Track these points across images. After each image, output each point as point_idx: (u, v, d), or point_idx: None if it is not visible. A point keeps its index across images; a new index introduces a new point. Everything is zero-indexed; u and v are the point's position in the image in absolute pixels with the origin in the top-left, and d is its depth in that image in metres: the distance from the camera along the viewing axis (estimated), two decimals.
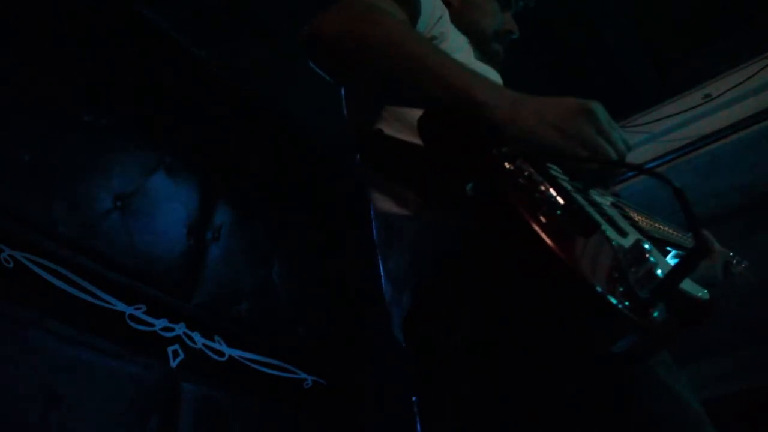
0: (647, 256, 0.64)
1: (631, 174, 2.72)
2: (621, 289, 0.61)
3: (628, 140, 0.77)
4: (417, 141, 0.84)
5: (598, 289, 0.59)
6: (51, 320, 1.78)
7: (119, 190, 2.13)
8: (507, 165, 0.71)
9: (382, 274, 0.99)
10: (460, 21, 1.20)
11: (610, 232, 0.72)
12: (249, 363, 2.36)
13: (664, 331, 0.62)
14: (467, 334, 0.79)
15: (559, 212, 0.66)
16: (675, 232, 1.18)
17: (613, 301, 0.59)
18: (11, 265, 1.74)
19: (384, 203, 0.96)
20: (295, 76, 2.73)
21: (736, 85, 2.62)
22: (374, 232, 1.01)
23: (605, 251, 0.67)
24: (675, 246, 1.16)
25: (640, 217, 0.97)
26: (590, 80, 2.70)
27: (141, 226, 2.16)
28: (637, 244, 0.66)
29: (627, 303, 0.59)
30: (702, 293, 0.78)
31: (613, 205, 0.90)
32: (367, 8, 0.86)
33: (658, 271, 0.63)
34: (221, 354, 2.27)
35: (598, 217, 0.73)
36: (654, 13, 2.68)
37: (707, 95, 2.71)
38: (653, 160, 2.78)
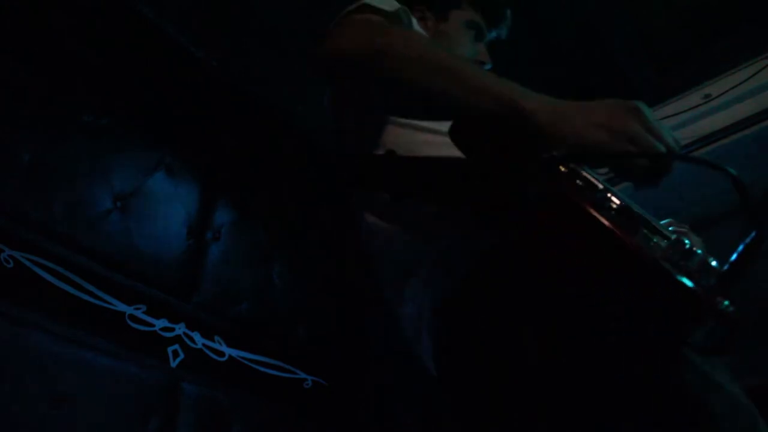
0: (694, 248, 0.64)
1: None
2: (695, 282, 0.61)
3: (677, 136, 0.76)
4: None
5: (680, 277, 0.59)
6: (51, 320, 1.77)
7: (119, 190, 2.13)
8: (562, 168, 0.71)
9: (393, 308, 0.95)
10: None
11: (647, 232, 0.72)
12: (249, 363, 2.36)
13: (737, 323, 0.61)
14: (533, 352, 0.76)
15: (613, 213, 0.67)
16: (663, 227, 1.18)
17: (691, 285, 0.58)
18: (11, 265, 1.74)
19: (392, 232, 0.93)
20: (295, 77, 2.73)
21: (736, 85, 2.62)
22: (381, 275, 0.97)
23: (654, 248, 0.67)
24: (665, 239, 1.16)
25: (655, 223, 0.97)
26: (590, 80, 2.70)
27: (141, 226, 2.16)
28: (679, 240, 0.66)
29: (701, 291, 0.59)
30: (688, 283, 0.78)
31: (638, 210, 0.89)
32: (383, 24, 0.86)
33: (713, 262, 0.62)
34: (221, 354, 2.27)
35: (641, 218, 0.73)
36: (654, 13, 2.68)
37: (707, 95, 2.71)
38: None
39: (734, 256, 0.61)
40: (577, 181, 0.70)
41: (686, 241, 0.65)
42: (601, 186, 0.70)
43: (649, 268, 0.61)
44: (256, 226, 2.67)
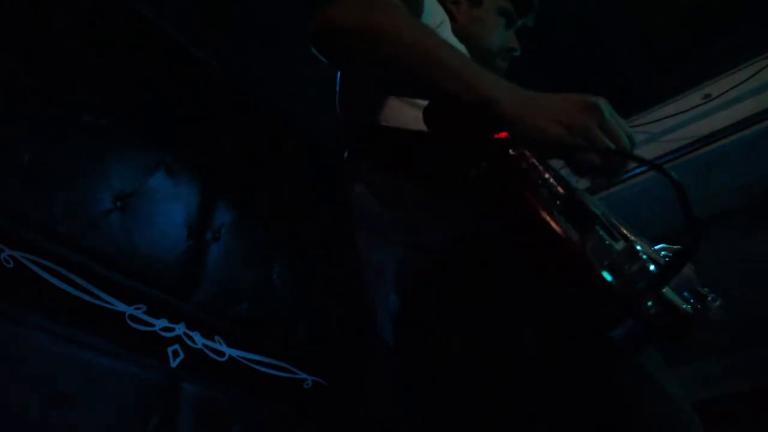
0: (641, 254, 0.65)
1: (631, 173, 2.73)
2: (618, 279, 0.62)
3: (634, 136, 0.79)
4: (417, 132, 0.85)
5: (601, 272, 0.61)
6: (51, 320, 1.77)
7: (119, 190, 2.13)
8: (511, 151, 0.72)
9: (366, 268, 0.98)
10: (464, 35, 1.20)
11: (603, 233, 0.73)
12: (249, 363, 2.36)
13: (657, 324, 0.64)
14: (466, 328, 0.79)
15: (558, 202, 0.68)
16: (654, 252, 1.20)
17: (610, 279, 0.60)
18: (11, 265, 1.74)
19: (372, 201, 0.96)
20: (296, 76, 2.73)
21: (736, 85, 2.62)
22: (358, 231, 1.01)
23: (600, 248, 0.68)
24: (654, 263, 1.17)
25: (626, 231, 0.98)
26: (590, 80, 2.70)
27: (141, 226, 2.16)
28: (630, 245, 0.68)
29: (625, 288, 0.61)
30: (685, 306, 0.80)
31: (603, 215, 0.90)
32: (377, 1, 0.87)
33: (652, 267, 0.64)
34: (221, 354, 2.27)
35: (593, 216, 0.74)
36: (654, 13, 2.68)
37: (707, 95, 2.71)
38: (653, 159, 2.78)
39: (664, 264, 0.64)
40: (522, 165, 0.71)
41: (638, 248, 0.66)
42: (547, 175, 0.71)
43: (575, 259, 0.63)
44: (256, 226, 2.67)
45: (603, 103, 0.76)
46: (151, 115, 2.38)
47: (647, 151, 2.82)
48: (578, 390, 0.72)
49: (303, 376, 2.55)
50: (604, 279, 0.61)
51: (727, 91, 2.65)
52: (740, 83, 2.61)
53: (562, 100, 0.77)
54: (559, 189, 0.69)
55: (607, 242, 0.70)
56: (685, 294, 0.75)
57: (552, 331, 0.73)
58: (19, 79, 1.94)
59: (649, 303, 0.62)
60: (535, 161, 0.72)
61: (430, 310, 0.84)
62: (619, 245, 0.73)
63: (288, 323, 2.61)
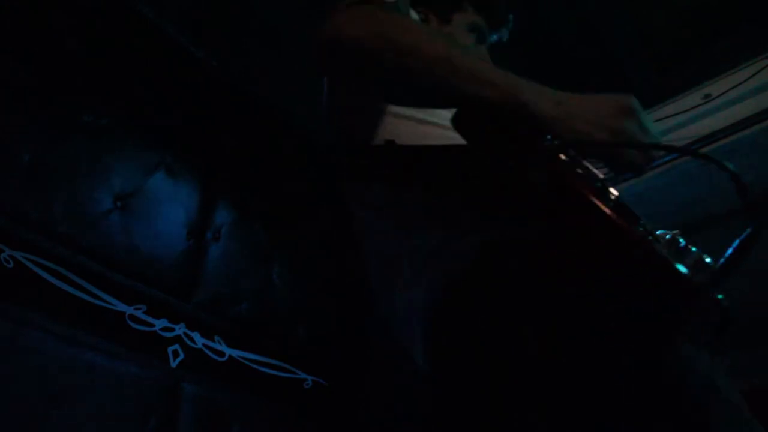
0: (689, 246, 0.65)
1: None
2: (696, 275, 0.62)
3: (658, 129, 0.81)
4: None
5: (674, 263, 0.60)
6: (51, 320, 1.77)
7: (119, 190, 2.13)
8: (562, 156, 0.72)
9: (384, 306, 0.94)
10: None
11: (645, 230, 0.72)
12: (249, 363, 2.36)
13: (728, 317, 0.63)
14: (510, 340, 0.77)
15: (611, 204, 0.68)
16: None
17: (685, 271, 0.60)
18: (11, 265, 1.74)
19: (385, 224, 0.93)
20: (296, 76, 2.73)
21: (736, 85, 2.62)
22: (371, 269, 0.97)
23: (646, 240, 0.68)
24: None
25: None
26: (590, 80, 2.70)
27: (141, 226, 2.16)
28: (674, 238, 0.68)
29: (698, 279, 0.60)
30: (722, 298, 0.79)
31: None
32: (388, 11, 0.86)
33: (707, 259, 0.64)
34: (221, 354, 2.27)
35: (635, 215, 0.74)
36: (654, 13, 2.68)
37: (707, 95, 2.71)
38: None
39: (729, 252, 0.62)
40: (578, 170, 0.71)
41: (681, 240, 0.67)
42: (600, 176, 0.72)
43: (649, 256, 0.62)
44: (256, 226, 2.67)
45: (635, 103, 0.78)
46: (151, 115, 2.38)
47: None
48: (648, 395, 0.71)
49: (303, 376, 2.55)
50: (680, 271, 0.60)
51: (727, 91, 2.65)
52: (740, 83, 2.61)
53: (598, 102, 0.77)
54: (612, 190, 0.70)
55: (650, 237, 0.70)
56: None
57: (612, 335, 0.72)
58: (19, 79, 1.94)
59: (720, 296, 0.62)
60: (587, 164, 0.73)
61: (461, 335, 0.82)
62: (660, 239, 0.72)
63: (288, 323, 2.61)
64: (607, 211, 0.65)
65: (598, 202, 0.66)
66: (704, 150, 2.67)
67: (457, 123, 0.79)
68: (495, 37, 1.35)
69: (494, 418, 0.77)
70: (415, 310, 0.88)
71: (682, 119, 2.75)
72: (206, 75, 2.69)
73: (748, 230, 0.63)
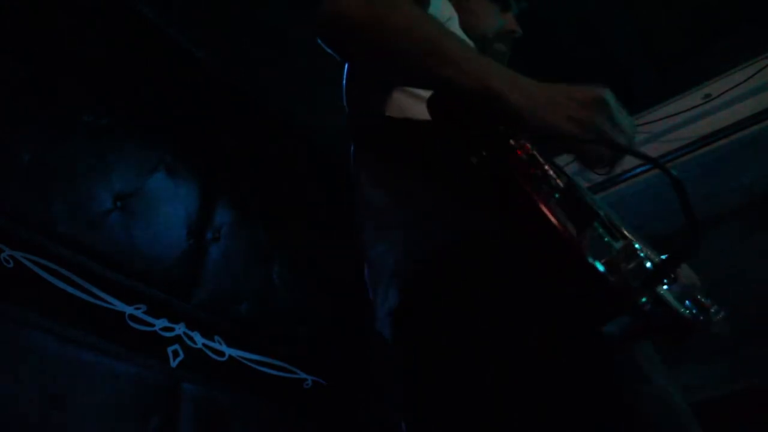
0: (639, 253, 0.65)
1: (631, 173, 2.73)
2: (614, 275, 0.63)
3: (633, 122, 0.81)
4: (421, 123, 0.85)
5: (595, 263, 0.61)
6: (51, 320, 1.77)
7: (119, 190, 2.13)
8: (512, 141, 0.72)
9: (367, 262, 0.98)
10: (464, 27, 1.20)
11: (602, 231, 0.73)
12: (249, 363, 2.36)
13: (652, 322, 0.64)
14: (466, 325, 0.78)
15: (557, 195, 0.68)
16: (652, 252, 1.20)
17: (603, 270, 0.60)
18: (11, 265, 1.74)
19: (377, 194, 0.96)
20: (296, 76, 2.73)
21: (736, 85, 2.62)
22: (362, 225, 1.00)
23: (598, 244, 0.68)
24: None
25: (627, 232, 0.98)
26: (590, 80, 2.70)
27: (141, 226, 2.16)
28: (629, 243, 0.68)
29: (619, 283, 0.61)
30: (684, 310, 0.80)
31: (605, 215, 0.90)
32: None
33: (648, 265, 0.64)
34: (221, 354, 2.27)
35: (592, 213, 0.74)
36: (654, 13, 2.68)
37: (707, 95, 2.71)
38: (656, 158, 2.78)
39: (660, 260, 0.64)
40: (522, 156, 0.71)
41: (637, 246, 0.66)
42: (547, 167, 0.71)
43: (569, 250, 0.63)
44: (256, 226, 2.67)
45: (609, 96, 0.77)
46: (151, 115, 2.38)
47: (647, 151, 2.82)
48: (576, 388, 0.72)
49: (303, 376, 2.55)
50: (597, 270, 0.61)
51: (727, 91, 2.65)
52: (740, 83, 2.61)
53: (570, 93, 0.77)
54: (559, 182, 0.69)
55: (606, 239, 0.71)
56: (687, 303, 0.75)
57: (551, 329, 0.73)
58: (19, 79, 1.94)
59: (643, 299, 0.62)
60: (535, 153, 0.72)
61: (429, 305, 0.84)
62: (619, 244, 0.73)
63: (288, 323, 2.61)
64: (538, 201, 0.65)
65: (528, 190, 0.66)
66: (704, 150, 2.67)
67: (429, 105, 0.81)
68: (523, 4, 1.35)
69: (492, 417, 0.77)
70: (384, 272, 0.91)
71: (682, 119, 2.75)
72: (206, 75, 2.69)
73: (680, 247, 0.64)
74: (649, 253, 0.74)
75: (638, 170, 2.79)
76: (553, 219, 0.64)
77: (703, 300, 1.02)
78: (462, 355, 0.78)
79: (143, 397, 1.93)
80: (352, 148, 1.05)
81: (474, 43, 1.21)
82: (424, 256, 0.85)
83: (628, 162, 3.12)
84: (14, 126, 1.88)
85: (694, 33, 2.73)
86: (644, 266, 0.64)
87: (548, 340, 0.73)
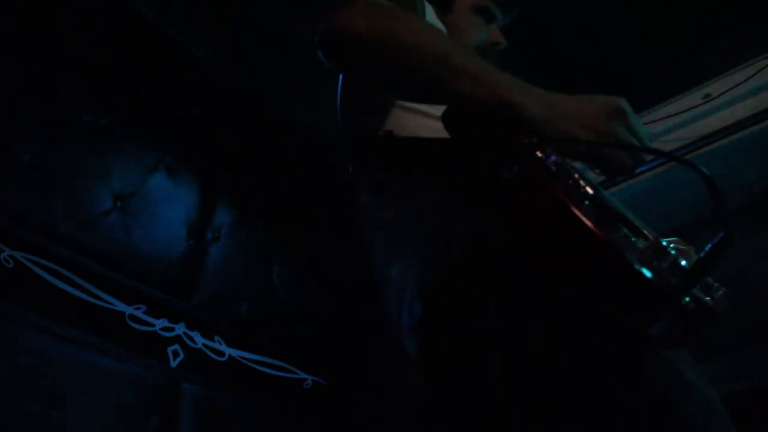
0: (668, 250, 0.65)
1: (643, 168, 2.73)
2: (655, 275, 0.62)
3: (648, 131, 0.81)
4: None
5: (638, 267, 0.60)
6: (51, 320, 1.77)
7: (119, 190, 2.13)
8: (538, 153, 0.72)
9: (380, 282, 0.97)
10: None
11: (627, 231, 0.73)
12: (249, 363, 2.36)
13: (696, 320, 0.63)
14: (493, 334, 0.78)
15: (587, 202, 0.68)
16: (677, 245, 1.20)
17: (649, 275, 0.60)
18: (11, 265, 1.74)
19: (385, 210, 0.95)
20: (296, 76, 2.73)
21: (736, 85, 2.62)
22: (372, 240, 1.00)
23: (627, 245, 0.68)
24: None
25: (644, 229, 0.98)
26: (590, 80, 2.70)
27: (141, 226, 2.16)
28: (656, 240, 0.68)
29: (662, 284, 0.60)
30: (708, 299, 0.79)
31: (624, 213, 0.90)
32: (390, 7, 0.87)
33: (683, 262, 0.63)
34: (221, 354, 2.27)
35: (617, 214, 0.74)
36: (654, 13, 2.68)
37: (707, 95, 2.71)
38: (653, 160, 2.78)
39: (699, 257, 0.63)
40: (551, 167, 0.71)
41: (663, 242, 0.66)
42: (576, 175, 0.71)
43: (613, 256, 0.63)
44: (256, 226, 2.67)
45: (625, 104, 0.78)
46: (151, 115, 2.38)
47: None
48: (612, 390, 0.72)
49: (303, 376, 2.55)
50: (642, 274, 0.60)
51: (727, 91, 2.65)
52: (740, 83, 2.61)
53: (587, 103, 0.77)
54: (588, 189, 0.70)
55: (632, 239, 0.70)
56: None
57: (582, 335, 0.73)
58: (19, 79, 1.94)
59: (687, 299, 0.61)
60: (563, 162, 0.72)
61: (455, 315, 0.83)
62: (641, 243, 0.72)
63: (288, 323, 2.61)
64: (576, 211, 0.65)
65: (566, 201, 0.66)
66: (704, 150, 2.67)
67: (445, 120, 0.80)
68: (503, 18, 1.34)
69: (479, 414, 0.77)
70: (406, 300, 0.90)
71: (682, 119, 2.75)
72: (206, 75, 2.69)
73: (720, 236, 0.63)
74: (678, 248, 0.73)
75: (639, 170, 2.78)
76: (592, 226, 0.64)
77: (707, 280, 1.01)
78: (488, 363, 0.78)
79: (143, 397, 1.93)
80: (350, 165, 1.04)
81: None
82: (447, 266, 0.85)
83: None
84: (14, 126, 1.88)
85: (694, 33, 2.73)
86: (679, 263, 0.63)
87: (578, 346, 0.73)
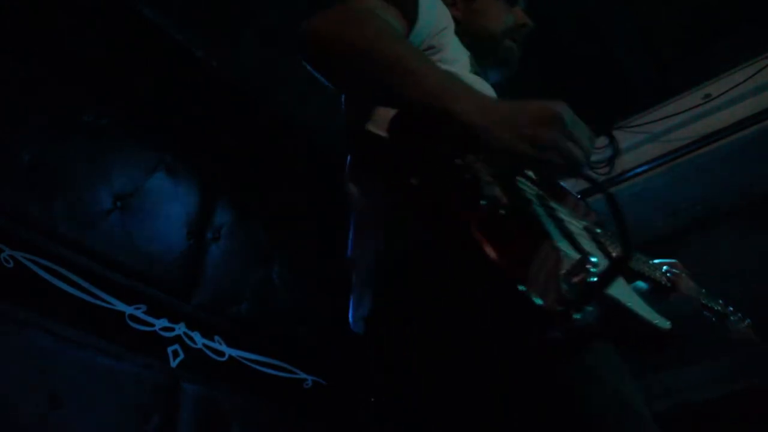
0: (588, 267, 0.68)
1: (631, 173, 2.73)
2: (552, 291, 0.66)
3: (592, 136, 0.80)
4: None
5: (520, 286, 0.65)
6: (51, 320, 1.78)
7: (119, 190, 2.13)
8: (458, 161, 0.74)
9: (350, 266, 1.05)
10: (467, 32, 1.22)
11: (563, 244, 0.75)
12: (249, 363, 2.36)
13: (586, 332, 0.69)
14: (418, 338, 0.84)
15: (502, 211, 0.70)
16: (649, 267, 1.24)
17: (524, 289, 0.64)
18: (11, 265, 1.74)
19: (361, 202, 1.01)
20: (295, 76, 2.73)
21: (736, 85, 2.62)
22: (351, 231, 1.07)
23: (550, 258, 0.70)
24: (644, 278, 1.21)
25: (610, 243, 0.99)
26: (590, 80, 2.70)
27: (141, 226, 2.16)
28: (585, 257, 0.71)
29: (551, 302, 0.65)
30: (662, 323, 0.85)
31: (586, 228, 0.94)
32: (359, 11, 0.90)
33: (593, 279, 0.67)
34: (221, 354, 2.27)
35: (550, 228, 0.77)
36: (654, 14, 2.68)
37: (707, 95, 2.71)
38: (653, 160, 2.78)
39: (596, 277, 0.67)
40: (466, 175, 0.72)
41: (593, 260, 0.69)
42: (492, 184, 0.73)
43: (494, 267, 0.66)
44: (256, 226, 2.67)
45: (564, 110, 0.76)
46: (151, 115, 2.38)
47: (647, 151, 2.82)
48: (526, 391, 0.76)
49: (303, 376, 2.55)
50: (526, 295, 0.64)
51: (727, 91, 2.65)
52: (740, 83, 2.61)
53: (523, 111, 0.77)
54: (504, 201, 0.71)
55: (562, 252, 0.73)
56: (687, 309, 0.80)
57: (497, 337, 0.76)
58: (19, 79, 1.94)
59: (577, 315, 0.65)
60: (480, 172, 0.73)
61: (393, 309, 0.89)
62: (574, 257, 0.74)
63: (288, 323, 2.61)
64: (476, 232, 0.67)
65: (468, 220, 0.68)
66: (704, 150, 2.67)
67: (390, 124, 0.83)
68: None
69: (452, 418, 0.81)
70: (361, 273, 0.99)
71: (682, 119, 2.75)
72: (206, 75, 2.69)
73: (610, 262, 0.68)
74: (602, 265, 0.75)
75: (639, 170, 2.79)
76: (486, 246, 0.66)
77: (716, 306, 1.07)
78: (419, 360, 0.84)
79: (143, 397, 1.93)
80: (347, 157, 1.09)
81: (482, 44, 1.23)
82: (388, 266, 0.90)
83: (628, 162, 3.12)
84: (14, 126, 1.88)
85: (694, 33, 2.73)
86: (587, 281, 0.67)
87: (497, 348, 0.76)
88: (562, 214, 0.87)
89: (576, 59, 2.74)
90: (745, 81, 2.60)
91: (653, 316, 0.85)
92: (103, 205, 2.06)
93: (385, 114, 0.98)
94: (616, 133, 2.83)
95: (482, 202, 0.70)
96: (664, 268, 1.29)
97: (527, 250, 0.68)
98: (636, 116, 2.85)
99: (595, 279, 0.67)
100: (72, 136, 2.04)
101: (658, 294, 1.24)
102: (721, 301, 1.48)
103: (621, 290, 0.81)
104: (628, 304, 0.81)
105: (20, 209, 1.82)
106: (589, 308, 0.65)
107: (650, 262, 1.26)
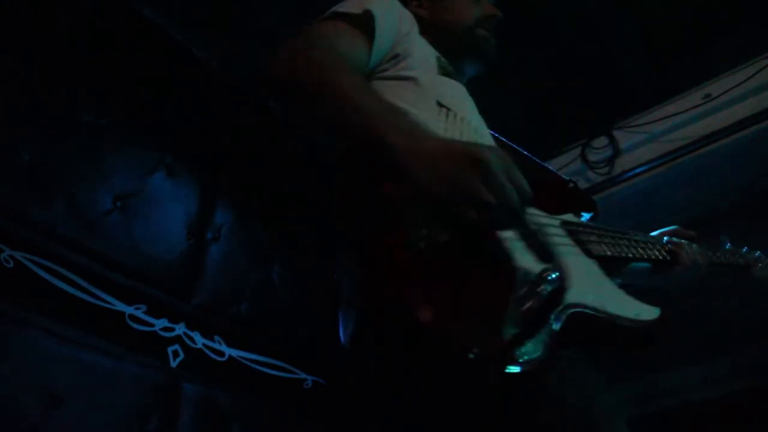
0: (541, 288, 0.71)
1: (638, 170, 2.72)
2: (485, 329, 0.69)
3: (527, 188, 0.77)
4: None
5: (468, 354, 0.68)
6: (51, 320, 1.77)
7: (119, 190, 2.13)
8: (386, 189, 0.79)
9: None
10: (434, 30, 1.23)
11: (526, 255, 0.77)
12: (249, 363, 2.36)
13: (533, 364, 0.69)
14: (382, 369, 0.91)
15: (430, 249, 0.73)
16: (644, 247, 1.20)
17: (472, 356, 0.67)
18: (11, 265, 1.74)
19: (339, 211, 1.04)
20: None
21: (736, 85, 2.62)
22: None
23: (506, 282, 0.73)
24: (639, 260, 1.17)
25: (595, 237, 0.99)
26: (590, 80, 2.70)
27: (141, 226, 2.16)
28: (541, 275, 0.73)
29: (480, 349, 0.67)
30: (649, 314, 0.85)
31: (564, 224, 0.95)
32: (312, 47, 0.95)
33: (547, 290, 0.71)
34: (221, 354, 2.27)
35: (508, 249, 0.79)
36: (654, 14, 2.68)
37: (707, 95, 2.71)
38: (653, 160, 2.78)
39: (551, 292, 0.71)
40: (392, 209, 0.77)
41: (551, 277, 0.72)
42: (423, 218, 0.76)
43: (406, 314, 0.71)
44: (256, 226, 2.67)
45: (492, 157, 0.74)
46: (151, 115, 2.38)
47: (647, 151, 2.83)
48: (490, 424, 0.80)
49: (303, 376, 2.55)
50: (469, 358, 0.67)
51: (727, 91, 2.65)
52: (740, 83, 2.61)
53: (447, 152, 0.76)
54: (438, 238, 0.75)
55: (519, 264, 0.75)
56: (692, 278, 0.81)
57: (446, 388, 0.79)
58: (19, 79, 1.94)
59: (523, 349, 0.67)
60: (413, 209, 0.77)
61: (363, 332, 0.92)
62: (539, 269, 0.76)
63: (288, 323, 2.61)
64: (386, 261, 0.72)
65: (380, 249, 0.72)
66: (704, 150, 2.67)
67: (338, 157, 0.88)
68: None
69: None
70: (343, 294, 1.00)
71: (682, 119, 2.75)
72: (206, 75, 2.68)
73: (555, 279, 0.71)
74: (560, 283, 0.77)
75: (639, 170, 2.79)
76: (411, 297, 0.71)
77: (738, 260, 1.06)
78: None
79: (143, 397, 1.93)
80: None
81: (450, 39, 1.24)
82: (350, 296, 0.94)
83: (628, 162, 3.11)
84: (14, 126, 1.88)
85: (695, 33, 2.73)
86: (542, 293, 0.70)
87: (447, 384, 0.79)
88: (536, 218, 0.88)
89: (576, 59, 2.74)
90: (745, 81, 2.60)
91: (636, 310, 0.83)
92: (103, 205, 2.06)
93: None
94: (616, 133, 2.83)
95: (410, 240, 0.73)
96: (665, 239, 1.26)
97: (457, 277, 0.72)
98: (636, 116, 2.85)
99: (547, 297, 0.70)
100: (72, 136, 2.04)
101: (660, 271, 1.22)
102: (743, 250, 1.45)
103: (593, 293, 0.81)
104: (603, 306, 0.81)
105: (20, 209, 1.81)
106: (553, 326, 0.68)
107: (646, 239, 1.22)
